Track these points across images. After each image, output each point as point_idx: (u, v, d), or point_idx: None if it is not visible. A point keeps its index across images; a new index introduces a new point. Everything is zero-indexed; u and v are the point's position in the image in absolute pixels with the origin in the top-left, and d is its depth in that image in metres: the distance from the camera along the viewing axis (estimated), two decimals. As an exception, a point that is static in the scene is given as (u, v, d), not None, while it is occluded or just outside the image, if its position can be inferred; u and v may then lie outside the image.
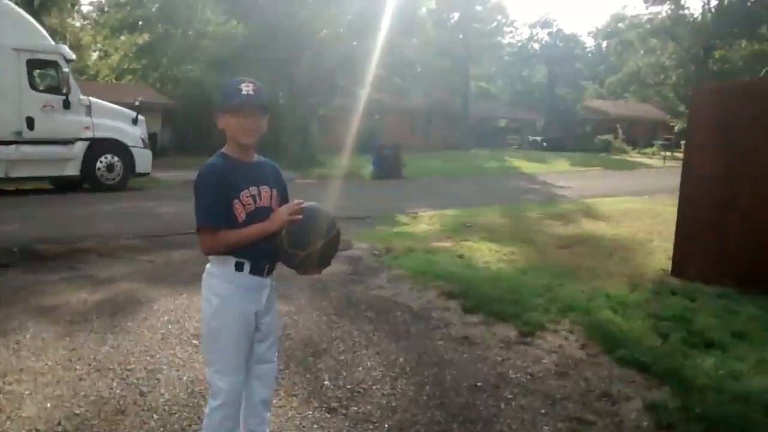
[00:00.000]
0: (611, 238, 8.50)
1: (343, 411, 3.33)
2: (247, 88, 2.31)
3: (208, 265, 2.47)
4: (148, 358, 3.99)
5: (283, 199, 2.53)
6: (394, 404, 3.42)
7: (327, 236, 2.40)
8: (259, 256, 2.40)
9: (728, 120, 6.02)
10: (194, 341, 4.26)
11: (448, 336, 4.53)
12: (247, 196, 2.36)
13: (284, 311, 5.03)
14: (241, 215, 2.34)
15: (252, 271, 2.40)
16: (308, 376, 3.77)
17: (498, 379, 3.77)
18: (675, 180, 7.03)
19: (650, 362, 3.94)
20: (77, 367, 3.82)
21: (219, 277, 2.40)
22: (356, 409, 3.36)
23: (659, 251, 7.54)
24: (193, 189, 2.36)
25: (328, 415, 3.28)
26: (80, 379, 3.64)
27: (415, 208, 11.42)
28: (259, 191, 2.40)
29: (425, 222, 10.02)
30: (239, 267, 2.38)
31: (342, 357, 4.08)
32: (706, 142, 6.29)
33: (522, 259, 7.23)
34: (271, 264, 2.47)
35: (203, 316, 2.48)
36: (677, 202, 6.63)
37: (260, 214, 2.37)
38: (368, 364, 3.97)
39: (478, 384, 3.69)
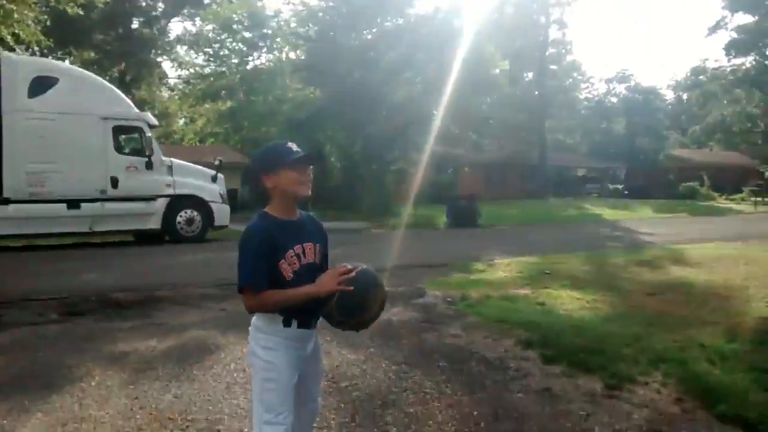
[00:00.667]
0: (704, 285, 7.92)
1: (412, 468, 3.06)
2: (294, 146, 2.42)
3: (254, 320, 2.47)
4: (210, 407, 3.84)
5: (324, 251, 2.56)
6: (467, 461, 3.13)
7: (378, 304, 2.41)
8: (306, 314, 2.42)
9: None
10: (258, 390, 4.10)
11: (527, 388, 4.19)
12: (291, 255, 2.38)
13: (352, 359, 4.83)
14: (288, 274, 2.37)
15: (299, 326, 2.42)
16: (375, 430, 3.52)
17: (583, 436, 3.41)
18: (769, 225, 6.52)
19: (756, 419, 3.50)
20: (138, 417, 3.69)
21: (267, 332, 2.41)
22: (426, 465, 3.08)
23: (757, 299, 6.96)
24: (238, 248, 2.35)
25: (395, 472, 3.02)
26: (140, 429, 3.52)
27: (491, 256, 11.06)
28: (303, 248, 2.43)
29: (502, 269, 9.66)
30: (287, 323, 2.39)
31: (412, 410, 3.81)
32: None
33: (606, 306, 6.79)
34: (317, 317, 2.47)
35: (254, 370, 2.46)
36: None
37: (306, 270, 2.40)
38: (439, 417, 3.69)
39: (561, 441, 3.35)
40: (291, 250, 2.37)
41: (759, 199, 32.67)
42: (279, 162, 2.38)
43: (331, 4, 30.25)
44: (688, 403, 3.84)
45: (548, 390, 4.12)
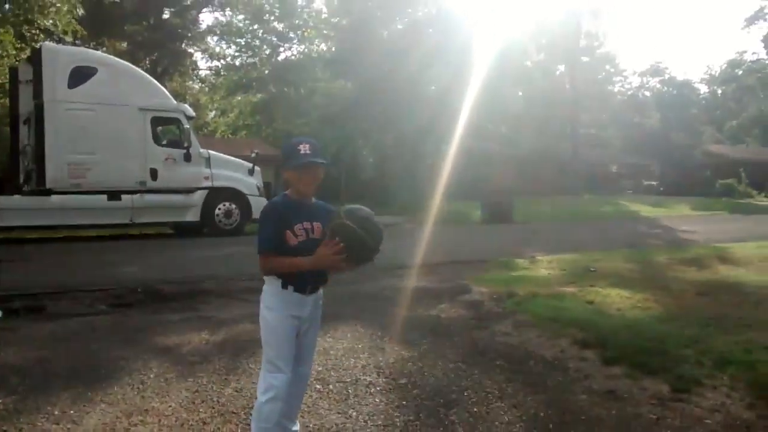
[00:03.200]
0: (756, 285, 7.72)
1: (484, 470, 3.00)
2: (304, 149, 2.80)
3: (264, 286, 2.94)
4: (272, 402, 3.80)
5: None
6: (541, 465, 3.05)
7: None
8: (302, 281, 2.85)
9: None
10: (317, 385, 4.06)
11: (590, 389, 4.09)
12: (300, 228, 2.82)
13: (407, 356, 4.78)
14: (293, 243, 2.80)
15: (295, 290, 2.85)
16: (441, 429, 3.46)
17: (656, 441, 3.31)
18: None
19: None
20: (201, 410, 3.68)
21: (269, 293, 2.89)
22: (498, 468, 3.02)
23: (815, 301, 6.76)
24: (258, 221, 2.95)
25: (468, 474, 2.96)
26: (204, 423, 3.50)
27: (531, 253, 10.91)
28: (313, 226, 2.85)
29: (544, 266, 9.53)
30: (284, 286, 2.83)
31: (476, 409, 3.74)
32: None
33: (658, 306, 6.64)
34: (313, 285, 2.90)
35: (261, 327, 2.93)
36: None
37: (312, 244, 2.78)
38: (505, 418, 3.61)
39: (635, 445, 3.26)
40: (300, 224, 2.81)
41: (800, 197, 31.96)
42: (286, 162, 2.83)
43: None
44: (763, 408, 3.71)
45: (612, 392, 4.02)
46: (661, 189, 41.24)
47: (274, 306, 2.86)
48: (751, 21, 45.93)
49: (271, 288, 2.88)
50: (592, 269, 8.94)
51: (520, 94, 38.89)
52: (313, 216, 2.87)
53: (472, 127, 26.38)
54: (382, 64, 28.14)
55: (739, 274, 8.61)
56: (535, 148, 40.18)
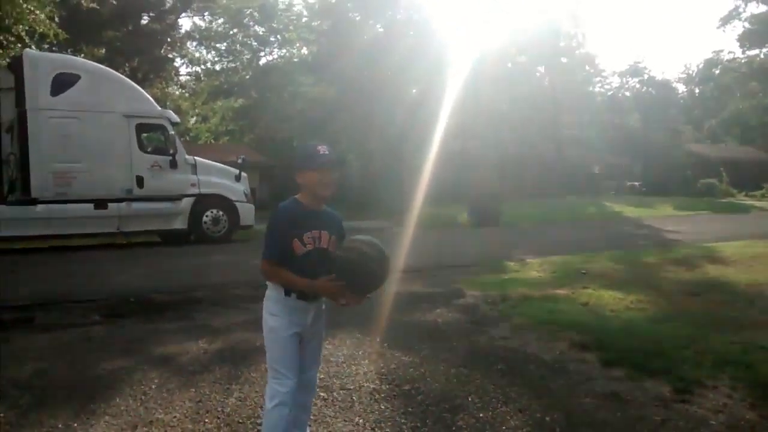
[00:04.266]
0: (746, 284, 7.81)
1: (496, 476, 3.00)
2: (323, 150, 2.81)
3: (266, 291, 2.93)
4: (277, 412, 3.78)
5: (339, 243, 2.95)
6: (552, 469, 3.06)
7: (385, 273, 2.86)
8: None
9: None
10: (322, 393, 4.04)
11: (593, 392, 4.11)
12: (308, 237, 2.81)
13: (408, 362, 4.78)
14: (300, 251, 2.80)
15: (298, 297, 2.84)
16: (449, 435, 3.47)
17: (664, 443, 3.34)
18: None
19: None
20: (206, 420, 3.66)
21: (272, 299, 2.88)
22: (510, 473, 3.02)
23: (806, 298, 6.85)
24: (268, 221, 2.89)
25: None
26: (211, 434, 3.48)
27: (521, 255, 10.95)
28: (320, 234, 2.85)
29: (535, 269, 9.58)
30: (288, 293, 2.84)
31: (482, 414, 3.74)
32: None
33: (652, 307, 6.70)
34: (314, 293, 2.87)
35: (264, 333, 2.93)
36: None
37: (319, 254, 2.83)
38: (512, 423, 3.62)
39: (643, 448, 3.28)
40: (309, 233, 2.80)
41: (781, 195, 32.33)
42: (305, 163, 2.82)
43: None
44: (765, 409, 3.75)
45: (615, 394, 4.04)
46: (644, 189, 41.58)
47: (276, 312, 2.86)
48: (726, 20, 46.38)
49: (273, 294, 2.89)
50: (582, 271, 9.00)
51: (502, 96, 39.03)
52: (323, 224, 2.88)
53: (454, 128, 26.46)
54: (362, 66, 28.16)
55: (728, 273, 8.70)
56: (517, 150, 40.36)
